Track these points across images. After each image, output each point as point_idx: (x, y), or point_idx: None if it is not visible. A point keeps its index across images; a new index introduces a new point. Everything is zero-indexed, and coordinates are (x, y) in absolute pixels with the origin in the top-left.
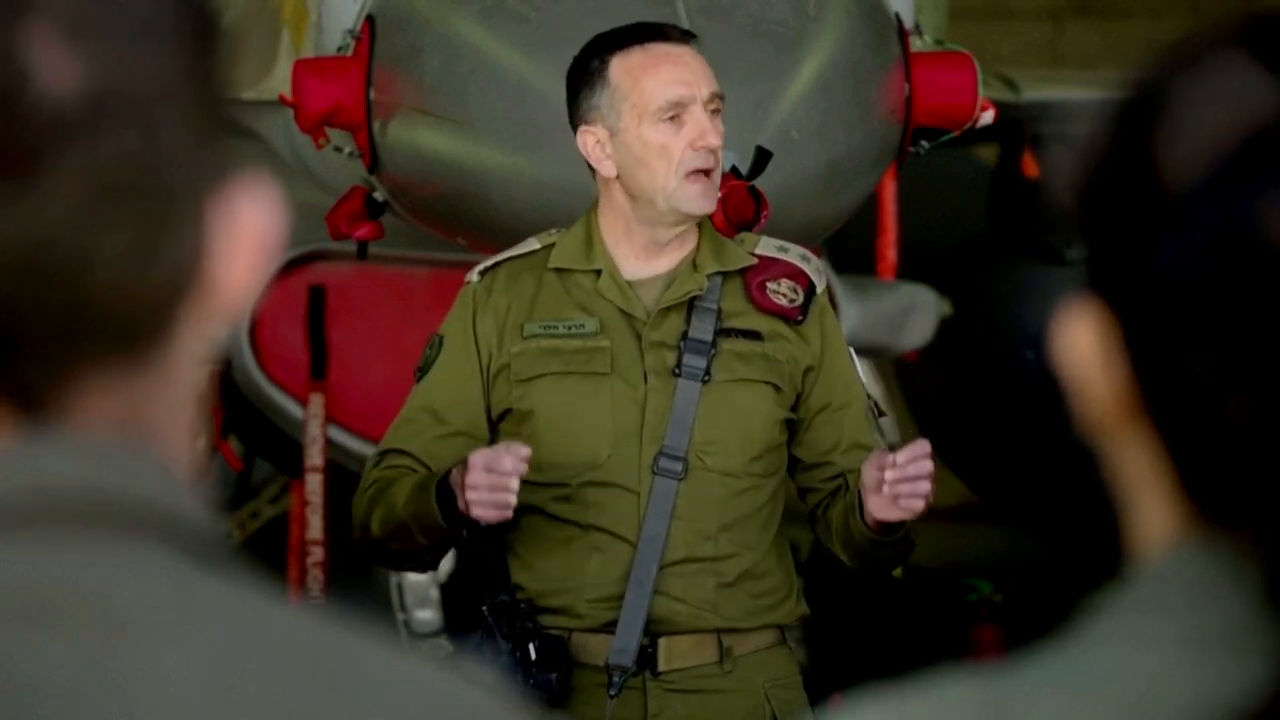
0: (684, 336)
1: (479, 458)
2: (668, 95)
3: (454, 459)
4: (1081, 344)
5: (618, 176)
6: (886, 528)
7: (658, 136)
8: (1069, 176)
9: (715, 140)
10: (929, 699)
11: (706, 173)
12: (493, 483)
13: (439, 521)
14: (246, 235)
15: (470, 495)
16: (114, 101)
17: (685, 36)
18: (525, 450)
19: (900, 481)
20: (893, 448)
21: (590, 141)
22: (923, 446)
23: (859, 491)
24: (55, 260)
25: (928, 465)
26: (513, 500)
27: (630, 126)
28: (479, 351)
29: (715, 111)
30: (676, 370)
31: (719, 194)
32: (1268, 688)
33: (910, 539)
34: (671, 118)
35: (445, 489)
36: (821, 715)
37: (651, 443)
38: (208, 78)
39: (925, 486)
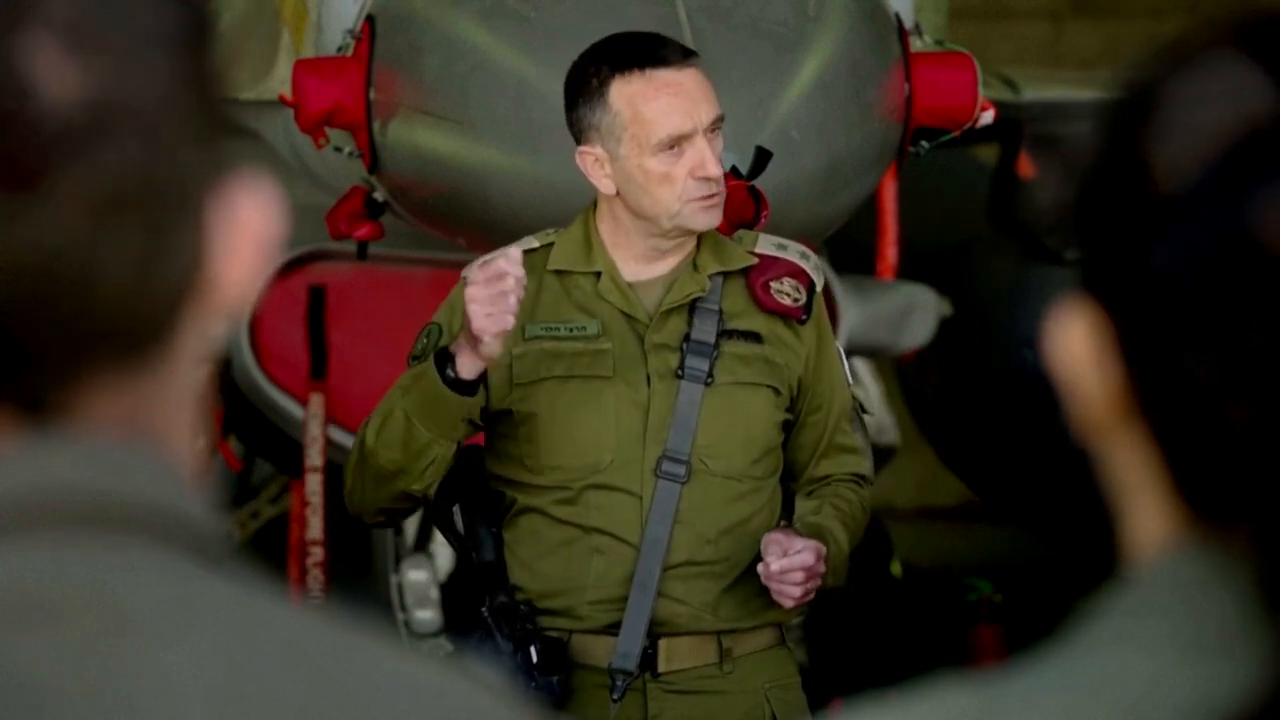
0: (686, 338)
1: (475, 271)
2: (669, 129)
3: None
4: (1076, 345)
5: (618, 194)
6: None
7: (659, 166)
8: (1063, 177)
9: (715, 170)
10: (928, 706)
11: (710, 196)
12: (491, 288)
13: (439, 387)
14: (246, 234)
15: (471, 308)
16: (115, 111)
17: (686, 56)
18: (516, 251)
19: (769, 579)
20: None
21: (589, 161)
22: (800, 559)
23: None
24: (63, 271)
25: (797, 576)
26: (514, 303)
27: (631, 155)
28: None
29: (715, 131)
30: (679, 372)
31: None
32: (1263, 690)
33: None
34: (672, 147)
35: (444, 356)
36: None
37: (654, 446)
38: (205, 81)
39: (794, 591)
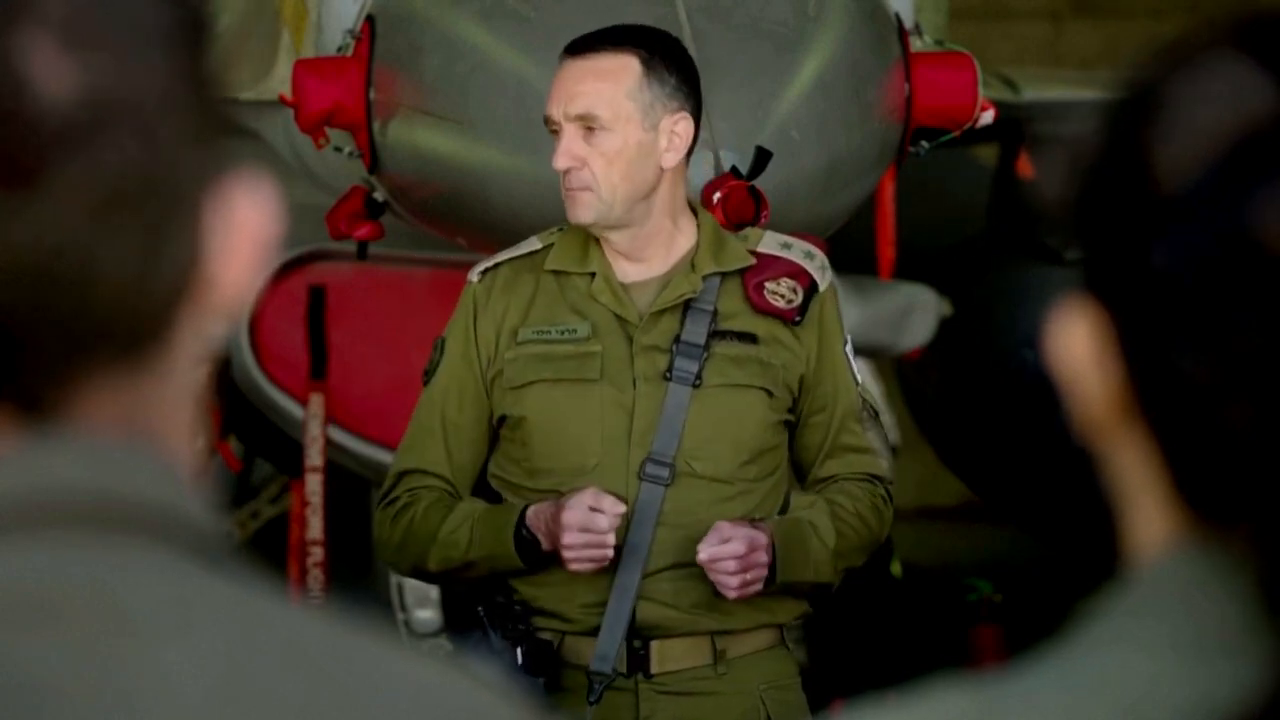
0: (676, 339)
1: (572, 517)
2: (546, 113)
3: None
4: (1076, 345)
5: None
6: None
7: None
8: (1064, 177)
9: (560, 163)
10: (928, 707)
11: (568, 188)
12: (589, 541)
13: (518, 565)
14: (243, 232)
15: (567, 554)
16: (113, 108)
17: (612, 45)
18: (621, 507)
19: (704, 567)
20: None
21: None
22: (730, 549)
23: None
24: (61, 270)
25: (729, 565)
26: (609, 554)
27: None
28: (479, 356)
29: (593, 129)
30: (667, 374)
31: (596, 204)
32: (1263, 690)
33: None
34: (554, 131)
35: (521, 531)
36: None
37: (639, 448)
38: (202, 79)
39: (730, 581)
